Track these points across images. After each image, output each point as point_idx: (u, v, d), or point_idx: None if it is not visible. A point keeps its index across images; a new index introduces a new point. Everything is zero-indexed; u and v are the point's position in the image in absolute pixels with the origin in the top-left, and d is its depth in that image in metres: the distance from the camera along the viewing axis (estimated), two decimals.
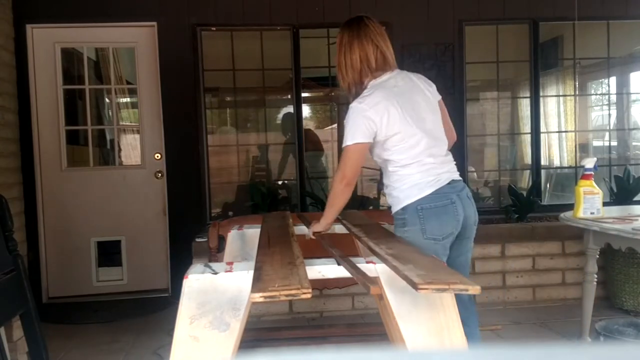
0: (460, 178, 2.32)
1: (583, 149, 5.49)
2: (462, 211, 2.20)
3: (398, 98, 2.21)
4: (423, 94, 2.32)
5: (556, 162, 5.74)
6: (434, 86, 2.42)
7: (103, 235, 4.57)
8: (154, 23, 4.45)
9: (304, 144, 4.77)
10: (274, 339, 3.18)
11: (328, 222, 2.34)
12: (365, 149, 2.25)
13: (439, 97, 2.39)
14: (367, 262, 1.69)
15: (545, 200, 5.18)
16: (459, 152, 4.62)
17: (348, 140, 2.19)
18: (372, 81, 2.30)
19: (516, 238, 4.12)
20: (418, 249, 1.87)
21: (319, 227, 2.33)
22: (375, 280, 1.58)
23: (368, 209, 4.74)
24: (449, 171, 2.26)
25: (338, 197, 2.26)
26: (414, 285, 1.38)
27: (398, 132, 2.18)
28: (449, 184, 2.21)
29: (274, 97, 5.44)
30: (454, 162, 2.34)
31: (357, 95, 2.29)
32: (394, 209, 2.26)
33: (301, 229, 2.63)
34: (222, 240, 2.83)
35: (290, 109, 4.85)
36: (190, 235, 4.06)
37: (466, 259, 2.34)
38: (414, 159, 2.20)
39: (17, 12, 4.30)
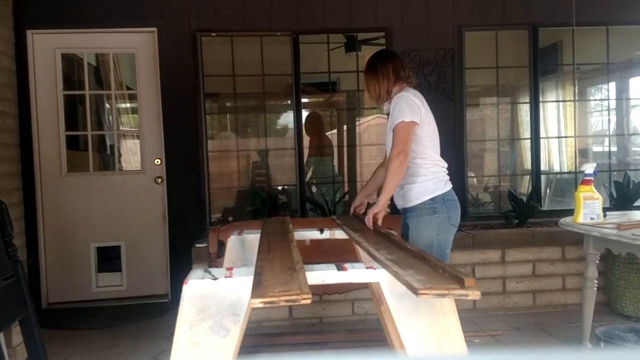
0: None
1: (583, 154, 5.49)
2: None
3: (425, 104, 2.69)
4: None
5: (556, 168, 5.74)
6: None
7: (103, 241, 4.56)
8: (154, 29, 4.46)
9: (304, 149, 4.77)
10: (273, 344, 3.17)
11: (387, 197, 2.54)
12: (413, 127, 2.57)
13: None
14: (368, 268, 1.69)
15: (545, 206, 5.17)
16: (459, 157, 4.63)
17: (402, 118, 2.54)
18: (405, 86, 2.73)
19: (516, 243, 4.12)
20: (419, 253, 1.86)
21: (378, 206, 2.52)
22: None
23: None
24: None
25: (396, 171, 2.51)
26: (414, 291, 1.38)
27: (429, 123, 2.65)
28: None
29: (274, 103, 5.44)
30: None
31: (388, 99, 2.73)
32: (421, 199, 2.60)
33: (301, 234, 2.63)
34: (222, 245, 2.83)
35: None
36: (190, 240, 4.06)
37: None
38: (438, 159, 2.68)
39: (17, 18, 4.31)
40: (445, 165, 2.70)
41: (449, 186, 2.66)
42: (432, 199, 2.59)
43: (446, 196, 2.62)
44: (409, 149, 2.55)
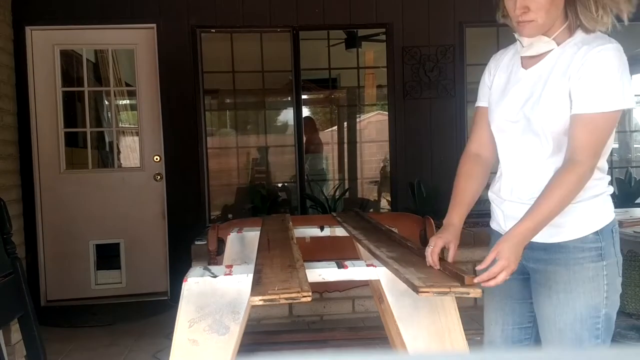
0: None
1: None
2: None
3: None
4: None
5: None
6: None
7: (102, 238, 4.55)
8: (154, 25, 4.44)
9: (304, 146, 4.76)
10: (273, 342, 3.17)
11: (528, 238, 1.45)
12: (615, 124, 1.48)
13: None
14: (368, 265, 1.68)
15: None
16: (459, 154, 4.62)
17: (611, 105, 1.42)
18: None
19: None
20: (420, 251, 1.85)
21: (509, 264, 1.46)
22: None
23: (369, 212, 4.73)
24: None
25: (572, 192, 1.42)
26: (415, 289, 1.37)
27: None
28: None
29: (273, 99, 5.43)
30: None
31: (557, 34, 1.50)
32: (577, 234, 1.50)
33: (301, 232, 2.62)
34: (221, 243, 2.82)
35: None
36: (189, 238, 4.04)
37: None
38: (606, 165, 1.57)
39: (16, 14, 4.29)
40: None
41: (613, 206, 1.57)
42: (595, 233, 1.50)
43: (614, 226, 1.55)
44: (597, 162, 1.47)
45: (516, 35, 1.59)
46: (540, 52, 1.52)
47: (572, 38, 1.50)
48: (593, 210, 1.51)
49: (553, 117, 1.47)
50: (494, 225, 1.68)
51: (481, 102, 1.72)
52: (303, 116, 4.78)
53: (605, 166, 1.55)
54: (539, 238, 1.46)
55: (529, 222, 1.41)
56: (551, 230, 1.47)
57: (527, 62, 1.57)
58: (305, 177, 5.05)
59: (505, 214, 1.60)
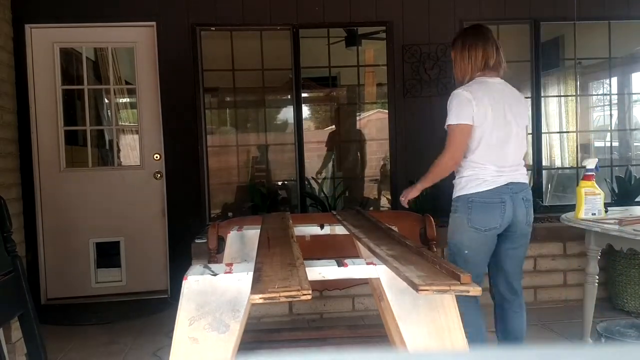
0: (523, 182, 2.57)
1: (584, 149, 5.47)
2: (511, 210, 2.49)
3: (493, 103, 2.48)
4: (514, 113, 2.55)
5: (557, 163, 5.73)
6: (527, 108, 2.77)
7: (102, 236, 4.55)
8: (153, 23, 4.43)
9: (304, 144, 4.75)
10: (273, 340, 3.17)
11: (423, 186, 2.61)
12: (468, 130, 2.46)
13: (526, 122, 2.66)
14: (368, 264, 1.68)
15: (547, 201, 5.16)
16: None
17: (450, 120, 2.47)
18: (481, 77, 2.54)
19: None
20: (418, 249, 1.85)
21: (413, 190, 2.64)
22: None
23: (369, 210, 4.72)
24: (511, 175, 2.52)
25: (443, 171, 2.53)
26: (415, 287, 1.37)
27: (479, 126, 2.46)
28: (506, 184, 2.49)
29: (273, 97, 5.43)
30: (524, 167, 2.61)
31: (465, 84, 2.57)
32: (453, 196, 2.59)
33: (301, 230, 2.62)
34: (221, 241, 2.82)
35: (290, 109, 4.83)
36: (189, 236, 4.05)
37: (517, 253, 2.65)
38: (482, 160, 2.49)
39: (16, 12, 4.29)
40: (495, 165, 2.49)
41: (484, 187, 2.47)
42: (457, 197, 2.55)
43: (473, 197, 2.48)
44: (460, 154, 2.50)
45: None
46: None
47: None
48: (456, 187, 2.56)
49: None
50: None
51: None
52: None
53: (472, 160, 2.49)
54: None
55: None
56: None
57: None
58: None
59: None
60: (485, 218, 2.47)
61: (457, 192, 2.55)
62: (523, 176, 2.57)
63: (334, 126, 5.83)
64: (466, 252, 2.53)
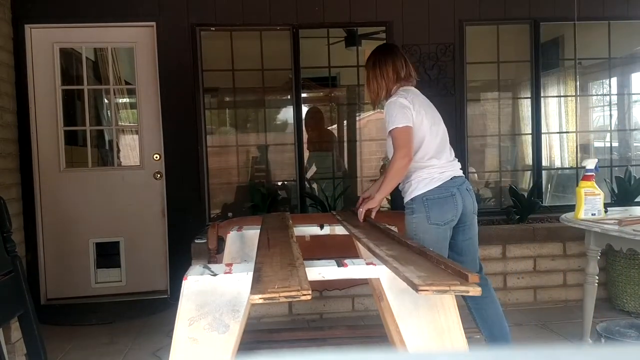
0: (462, 174, 2.73)
1: (584, 149, 5.47)
2: (461, 201, 2.63)
3: (424, 105, 2.68)
4: (436, 115, 2.75)
5: (557, 163, 5.72)
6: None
7: (102, 237, 4.55)
8: (153, 23, 4.43)
9: (304, 145, 4.75)
10: (273, 340, 3.17)
11: (383, 196, 2.66)
12: (412, 132, 2.58)
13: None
14: (368, 264, 1.68)
15: (547, 201, 5.16)
16: (460, 153, 4.60)
17: (396, 124, 2.55)
18: (404, 87, 2.71)
19: (517, 239, 4.11)
20: (419, 249, 1.85)
21: (373, 202, 2.65)
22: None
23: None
24: (451, 169, 2.68)
25: (399, 173, 2.57)
26: (415, 287, 1.37)
27: (419, 129, 2.62)
28: (451, 179, 2.64)
29: (273, 98, 5.42)
30: (458, 161, 2.76)
31: (387, 99, 2.69)
32: (405, 199, 2.68)
33: (301, 230, 2.62)
34: (221, 241, 2.82)
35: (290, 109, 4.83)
36: (189, 236, 4.04)
37: (472, 242, 2.74)
38: (425, 160, 2.63)
39: (15, 13, 4.29)
40: (437, 162, 2.65)
41: (433, 185, 2.61)
42: (411, 200, 2.64)
43: (426, 196, 2.60)
44: (412, 153, 2.58)
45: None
46: None
47: None
48: (407, 189, 2.67)
49: None
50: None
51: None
52: (308, 108, 4.77)
53: (418, 159, 2.62)
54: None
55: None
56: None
57: None
58: (310, 176, 5.03)
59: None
60: (442, 212, 2.60)
61: (410, 194, 2.64)
62: (460, 169, 2.74)
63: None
64: (431, 249, 2.54)
